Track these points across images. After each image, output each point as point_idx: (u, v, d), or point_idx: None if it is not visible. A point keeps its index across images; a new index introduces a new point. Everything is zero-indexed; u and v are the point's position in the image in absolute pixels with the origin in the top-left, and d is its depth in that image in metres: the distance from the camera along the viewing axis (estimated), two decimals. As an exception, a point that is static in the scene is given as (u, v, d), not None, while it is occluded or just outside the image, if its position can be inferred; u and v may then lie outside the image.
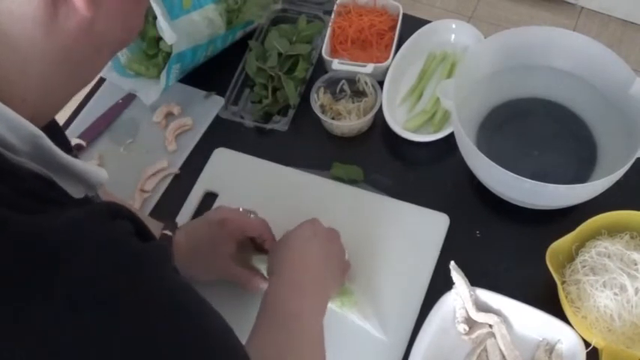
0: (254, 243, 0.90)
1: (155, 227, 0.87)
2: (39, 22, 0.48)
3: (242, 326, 0.87)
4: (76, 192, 0.53)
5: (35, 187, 0.48)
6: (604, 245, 0.85)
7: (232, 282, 0.88)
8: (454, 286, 0.86)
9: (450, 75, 1.10)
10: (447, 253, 0.92)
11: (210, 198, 1.01)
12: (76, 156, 0.65)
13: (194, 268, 0.85)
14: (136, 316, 0.45)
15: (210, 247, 0.86)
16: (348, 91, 1.10)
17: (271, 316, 0.73)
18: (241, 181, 1.02)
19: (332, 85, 1.09)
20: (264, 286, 0.85)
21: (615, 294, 0.82)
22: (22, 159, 0.48)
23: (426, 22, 1.16)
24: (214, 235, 0.86)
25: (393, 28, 1.16)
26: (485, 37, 1.09)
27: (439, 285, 0.89)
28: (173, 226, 0.88)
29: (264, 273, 0.87)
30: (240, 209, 0.91)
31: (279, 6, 1.19)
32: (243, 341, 0.72)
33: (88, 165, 0.54)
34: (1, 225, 0.43)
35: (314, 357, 0.72)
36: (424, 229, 0.95)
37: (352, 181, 1.01)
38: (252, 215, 0.91)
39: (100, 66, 0.57)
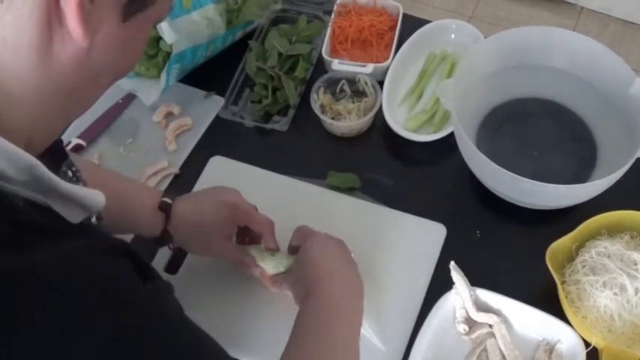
0: (249, 233, 0.91)
1: (156, 192, 0.88)
2: (34, 50, 0.46)
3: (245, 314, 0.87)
4: (73, 216, 0.52)
5: (29, 217, 0.47)
6: (604, 245, 0.85)
7: (225, 261, 0.89)
8: (454, 286, 0.86)
9: (450, 75, 1.10)
10: (448, 253, 0.92)
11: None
12: (74, 174, 0.64)
13: (193, 241, 0.87)
14: (134, 357, 0.44)
15: (214, 225, 0.86)
16: (348, 91, 1.10)
17: (306, 332, 0.72)
18: (237, 189, 1.01)
19: (332, 85, 1.09)
20: (255, 269, 0.86)
21: (615, 294, 0.82)
22: (16, 187, 0.47)
23: (426, 22, 1.16)
24: (221, 216, 0.86)
25: (393, 28, 1.16)
26: (485, 37, 1.09)
27: (439, 285, 0.89)
28: (173, 194, 0.87)
29: (257, 260, 0.87)
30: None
31: (279, 6, 1.19)
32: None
33: (85, 190, 0.53)
34: None
35: None
36: (420, 239, 0.94)
37: (349, 189, 1.01)
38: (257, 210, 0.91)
39: (97, 94, 0.55)
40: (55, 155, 0.57)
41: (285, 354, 0.68)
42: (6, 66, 0.46)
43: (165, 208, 0.85)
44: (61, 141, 0.67)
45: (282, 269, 0.85)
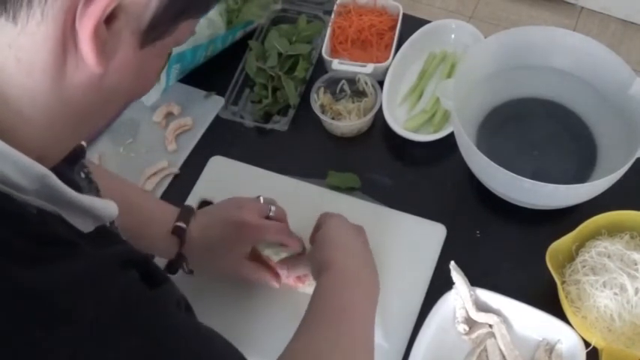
0: None
1: (171, 213, 0.86)
2: (47, 73, 0.45)
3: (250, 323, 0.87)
4: (84, 226, 0.51)
5: (40, 228, 0.46)
6: (604, 245, 0.85)
7: (243, 281, 0.87)
8: (454, 286, 0.86)
9: (450, 75, 1.10)
10: (448, 253, 0.92)
11: (206, 206, 1.01)
12: (87, 175, 0.64)
13: (205, 265, 0.85)
14: None
15: (223, 248, 0.84)
16: (348, 91, 1.10)
17: (322, 310, 0.71)
18: (237, 189, 1.00)
19: (332, 85, 1.09)
20: (275, 283, 0.85)
21: (615, 294, 0.82)
22: (28, 197, 0.46)
23: (426, 22, 1.16)
24: (229, 237, 0.84)
25: (393, 28, 1.16)
26: (485, 37, 1.09)
27: (439, 285, 0.89)
28: (188, 216, 0.86)
29: (275, 261, 0.86)
30: (261, 199, 0.89)
31: (279, 6, 1.19)
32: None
33: (97, 201, 0.53)
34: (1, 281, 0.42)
35: (365, 350, 0.70)
36: (420, 239, 0.94)
37: (349, 189, 1.01)
38: (272, 208, 0.89)
39: (110, 115, 0.54)
40: (68, 157, 0.57)
41: (304, 328, 0.69)
42: (19, 84, 0.45)
43: (179, 233, 0.84)
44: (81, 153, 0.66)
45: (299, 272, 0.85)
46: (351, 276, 0.75)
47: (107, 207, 0.54)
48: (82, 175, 0.64)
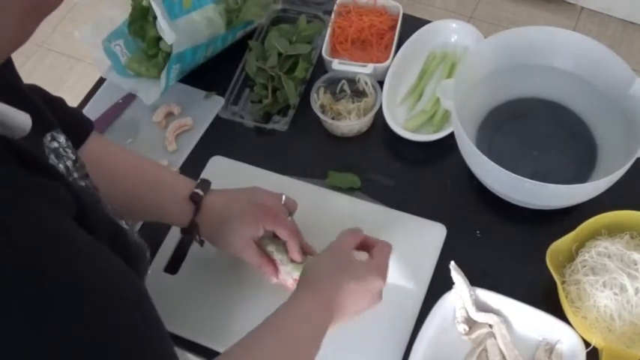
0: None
1: (184, 181, 0.88)
2: None
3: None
4: None
5: None
6: (604, 245, 0.85)
7: (245, 262, 0.87)
8: (454, 286, 0.87)
9: (450, 75, 1.10)
10: (448, 253, 0.92)
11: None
12: (64, 150, 0.64)
13: (217, 236, 0.86)
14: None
15: (238, 223, 0.85)
16: (348, 91, 1.10)
17: (275, 325, 0.72)
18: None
19: (332, 85, 1.09)
20: (273, 277, 0.85)
21: (615, 294, 0.82)
22: None
23: (426, 22, 1.16)
24: (246, 215, 0.85)
25: (393, 28, 1.16)
26: (485, 37, 1.09)
27: (439, 285, 0.89)
28: (206, 187, 0.87)
29: (276, 259, 0.86)
30: (283, 198, 0.89)
31: (279, 6, 1.19)
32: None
33: (8, 109, 0.52)
34: None
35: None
36: (420, 239, 0.94)
37: (349, 189, 1.01)
38: (289, 218, 0.90)
39: (12, 25, 0.47)
40: (38, 124, 0.57)
41: (250, 335, 0.70)
42: None
43: (196, 200, 0.85)
44: (46, 111, 0.66)
45: (297, 275, 0.84)
46: (321, 306, 0.74)
47: (18, 116, 0.53)
48: (55, 144, 0.64)
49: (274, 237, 0.87)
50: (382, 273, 0.80)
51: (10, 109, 0.52)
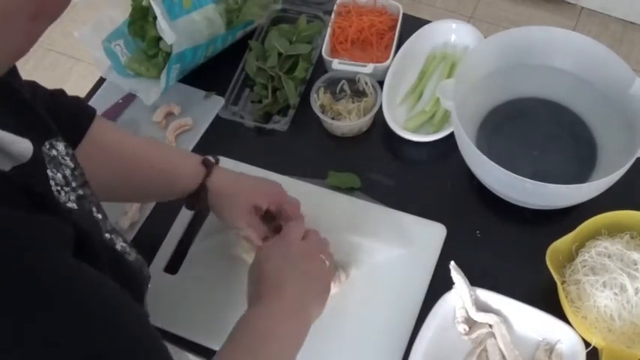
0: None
1: (192, 154, 0.91)
2: None
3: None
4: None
5: None
6: (604, 245, 0.85)
7: (238, 228, 0.88)
8: (454, 286, 0.86)
9: (450, 75, 1.10)
10: (448, 253, 0.92)
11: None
12: (63, 157, 0.64)
13: (223, 205, 0.88)
14: None
15: (245, 195, 0.87)
16: (348, 91, 1.10)
17: (241, 338, 0.72)
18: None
19: (332, 85, 1.09)
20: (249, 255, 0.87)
21: (615, 294, 0.82)
22: None
23: (426, 22, 1.16)
24: (254, 188, 0.88)
25: (393, 28, 1.16)
26: (485, 37, 1.09)
27: (439, 285, 0.89)
28: (215, 160, 0.91)
29: (245, 258, 0.89)
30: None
31: (279, 6, 1.19)
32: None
33: (7, 135, 0.52)
34: None
35: None
36: (420, 239, 0.94)
37: (349, 189, 1.01)
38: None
39: (18, 35, 0.47)
40: (39, 131, 0.57)
41: (224, 349, 0.70)
42: None
43: (208, 164, 0.88)
44: (46, 118, 0.66)
45: None
46: (273, 316, 0.75)
47: (16, 142, 0.53)
48: (54, 152, 0.64)
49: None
50: (312, 253, 0.81)
51: (10, 136, 0.52)
